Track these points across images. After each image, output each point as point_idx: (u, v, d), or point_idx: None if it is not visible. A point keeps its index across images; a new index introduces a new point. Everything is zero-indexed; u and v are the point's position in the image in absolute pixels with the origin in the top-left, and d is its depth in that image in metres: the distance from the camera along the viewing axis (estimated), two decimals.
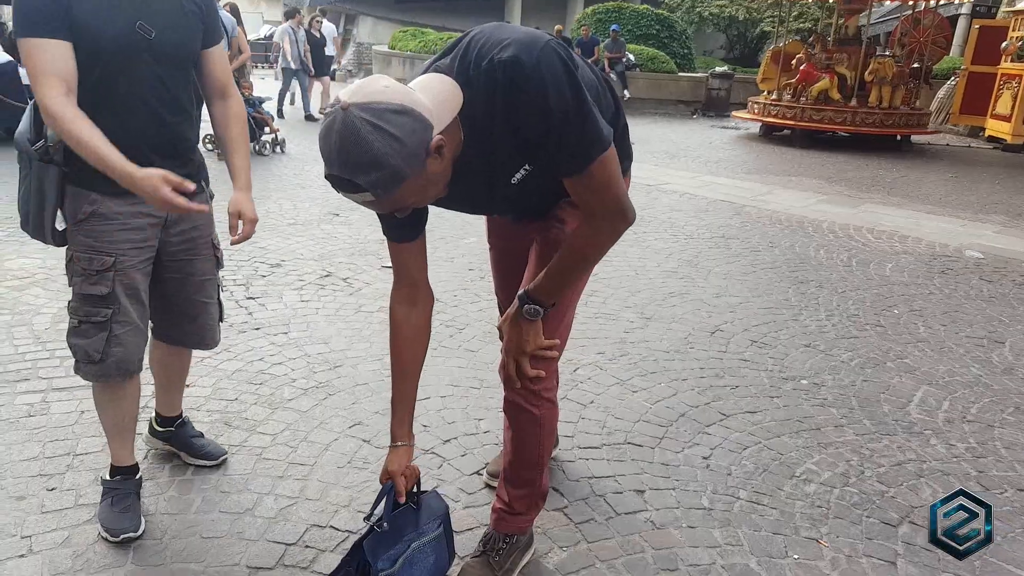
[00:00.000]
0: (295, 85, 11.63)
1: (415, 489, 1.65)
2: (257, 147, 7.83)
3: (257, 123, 7.80)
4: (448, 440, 2.43)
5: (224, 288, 3.89)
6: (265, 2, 27.79)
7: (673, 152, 9.71)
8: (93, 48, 1.59)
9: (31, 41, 1.54)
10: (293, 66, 10.93)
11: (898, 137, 10.83)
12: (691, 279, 4.31)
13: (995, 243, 5.47)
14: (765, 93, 11.74)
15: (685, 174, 8.05)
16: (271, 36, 16.20)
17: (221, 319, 2.10)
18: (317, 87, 11.50)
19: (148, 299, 1.87)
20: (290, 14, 11.28)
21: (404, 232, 1.51)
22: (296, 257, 4.41)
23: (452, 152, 1.29)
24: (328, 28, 12.28)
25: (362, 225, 5.16)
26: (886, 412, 2.76)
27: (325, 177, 1.19)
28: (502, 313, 1.95)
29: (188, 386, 2.41)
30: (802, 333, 3.54)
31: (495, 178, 1.43)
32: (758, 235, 5.46)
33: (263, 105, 8.12)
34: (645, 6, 18.27)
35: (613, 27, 15.44)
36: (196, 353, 2.29)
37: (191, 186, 1.52)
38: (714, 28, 23.17)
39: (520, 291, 1.57)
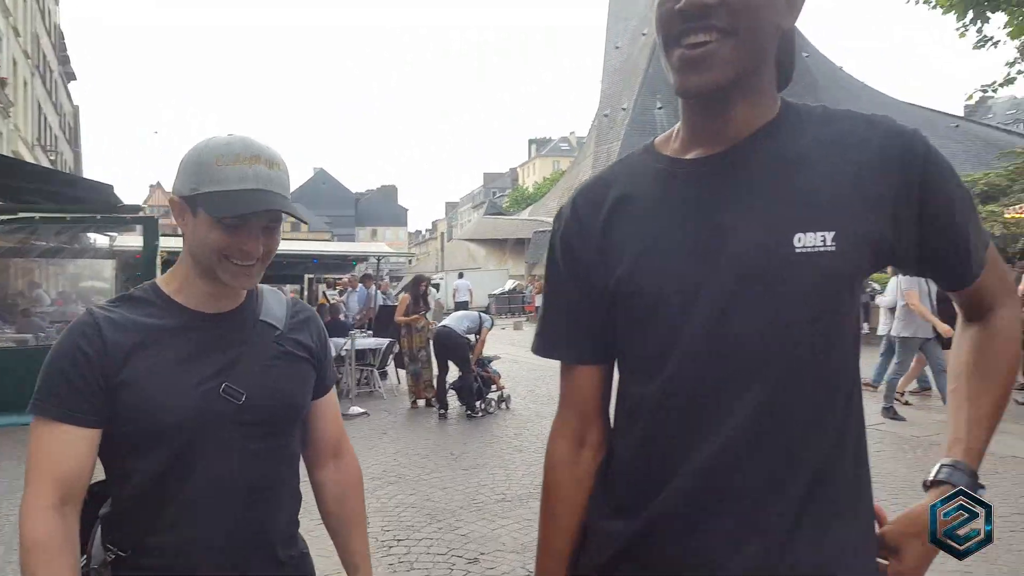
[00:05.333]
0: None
1: None
2: (483, 405, 8.01)
3: (484, 382, 8.05)
4: None
5: None
6: (512, 259, 30.96)
7: None
8: (156, 428, 1.14)
9: (38, 422, 1.12)
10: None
11: None
12: None
13: None
14: None
15: None
16: (513, 290, 17.53)
17: None
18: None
19: None
20: None
21: (584, 349, 1.10)
22: (497, 548, 4.01)
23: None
24: None
25: None
26: None
27: None
28: None
29: None
30: None
31: (775, 221, 0.96)
32: None
33: (490, 364, 8.41)
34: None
35: None
36: None
37: None
38: None
39: (943, 462, 1.03)
